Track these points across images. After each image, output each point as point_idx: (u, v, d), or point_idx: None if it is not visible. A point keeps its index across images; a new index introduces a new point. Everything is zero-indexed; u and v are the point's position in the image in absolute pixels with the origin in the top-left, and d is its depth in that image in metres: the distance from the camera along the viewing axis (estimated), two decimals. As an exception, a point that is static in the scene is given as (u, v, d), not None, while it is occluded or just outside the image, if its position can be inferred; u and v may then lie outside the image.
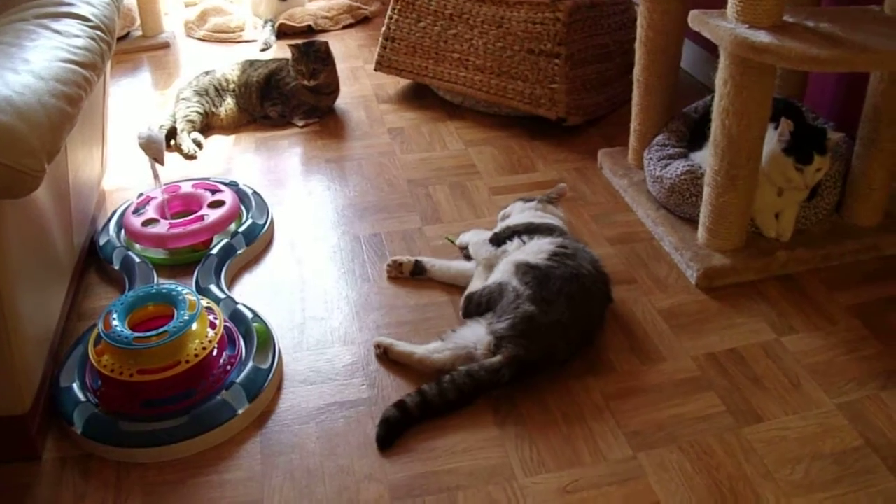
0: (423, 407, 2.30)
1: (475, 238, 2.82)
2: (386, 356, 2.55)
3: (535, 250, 2.59)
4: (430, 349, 2.49)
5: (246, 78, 4.07)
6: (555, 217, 2.87)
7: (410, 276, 2.92)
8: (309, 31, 5.32)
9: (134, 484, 2.18)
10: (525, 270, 2.49)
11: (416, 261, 2.92)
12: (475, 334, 2.45)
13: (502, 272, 2.56)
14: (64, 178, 2.63)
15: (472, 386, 2.32)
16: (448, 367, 2.42)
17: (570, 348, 2.46)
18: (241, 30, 5.30)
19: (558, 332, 2.40)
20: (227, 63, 4.21)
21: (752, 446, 2.23)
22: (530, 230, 2.73)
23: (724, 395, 2.40)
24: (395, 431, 2.27)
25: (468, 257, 2.85)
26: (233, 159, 3.77)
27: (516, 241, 2.70)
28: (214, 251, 2.94)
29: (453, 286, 2.84)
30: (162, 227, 2.97)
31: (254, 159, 3.77)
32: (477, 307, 2.56)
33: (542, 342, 2.38)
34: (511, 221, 2.85)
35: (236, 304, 2.68)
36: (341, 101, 4.26)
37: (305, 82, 3.99)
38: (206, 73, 4.14)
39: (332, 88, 4.15)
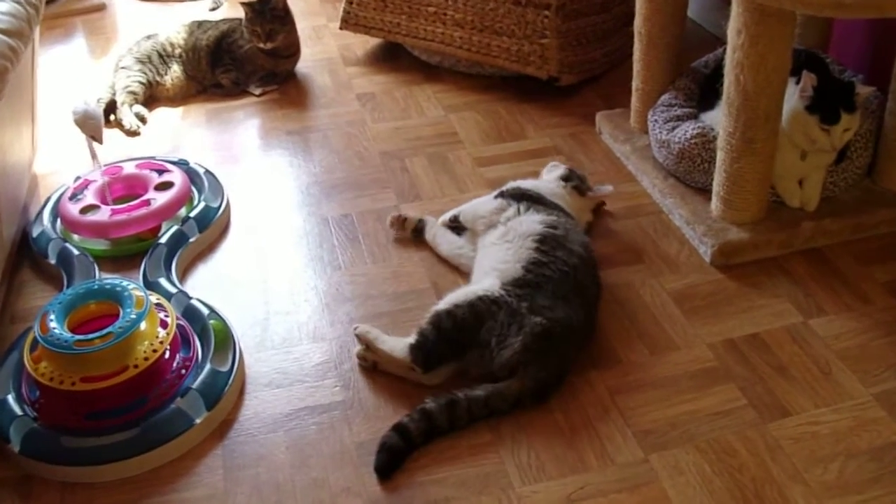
0: (428, 433, 2.27)
1: (470, 203, 2.88)
2: (375, 368, 2.53)
3: (523, 231, 2.61)
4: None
5: (194, 41, 4.05)
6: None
7: (412, 235, 2.99)
8: (264, -15, 5.30)
9: (80, 507, 2.18)
10: (508, 284, 2.46)
11: (420, 219, 2.99)
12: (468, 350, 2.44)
13: (471, 287, 2.54)
14: (-11, 162, 2.62)
15: (486, 414, 2.32)
16: (441, 381, 2.44)
17: (578, 350, 2.48)
18: (187, -13, 5.29)
19: (571, 337, 2.41)
20: (171, 26, 4.19)
21: (778, 444, 2.24)
22: (534, 200, 2.76)
23: (746, 386, 2.41)
24: (397, 460, 2.24)
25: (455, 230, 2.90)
26: (181, 135, 3.76)
27: (514, 207, 2.72)
28: (163, 240, 2.94)
29: (439, 269, 2.86)
30: (103, 215, 2.96)
31: (205, 134, 3.76)
32: (443, 348, 2.42)
33: (559, 355, 2.39)
34: (524, 184, 2.89)
35: (190, 299, 2.68)
36: (302, 65, 4.26)
37: (261, 45, 3.98)
38: (149, 37, 4.11)
39: (292, 51, 4.15)
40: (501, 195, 2.82)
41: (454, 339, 2.40)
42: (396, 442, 2.24)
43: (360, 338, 2.53)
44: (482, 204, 2.83)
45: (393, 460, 2.23)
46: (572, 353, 2.44)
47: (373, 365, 2.51)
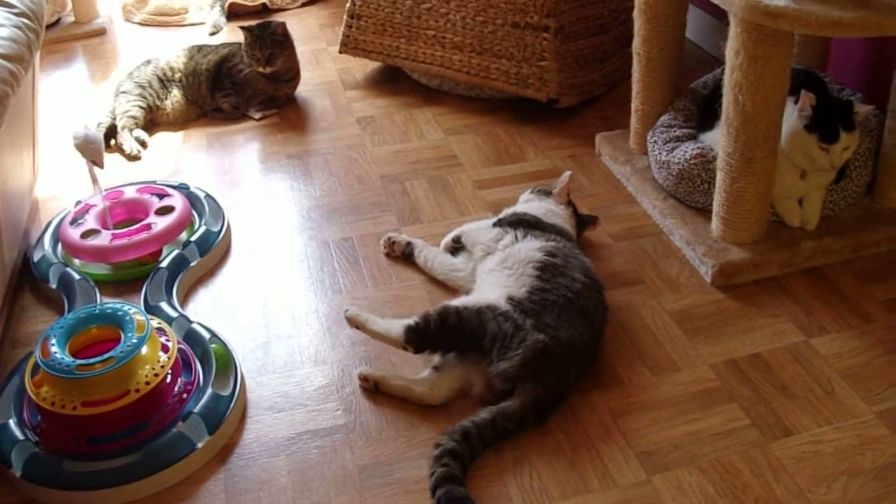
0: (463, 470, 2.23)
1: (472, 225, 2.87)
2: (377, 390, 2.53)
3: (522, 258, 2.61)
4: (424, 384, 2.48)
5: (194, 66, 4.06)
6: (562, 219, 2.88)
7: (403, 256, 3.00)
8: (264, 10, 5.31)
9: (81, 532, 2.18)
10: (516, 301, 2.47)
11: (408, 242, 2.98)
12: (469, 368, 2.46)
13: (478, 296, 2.57)
14: (-10, 187, 2.62)
15: (495, 437, 2.32)
16: (444, 401, 2.45)
17: (579, 372, 2.47)
18: (187, 12, 5.29)
19: (572, 359, 2.41)
20: (171, 50, 4.20)
21: (781, 464, 2.24)
22: (531, 226, 2.76)
23: (748, 406, 2.41)
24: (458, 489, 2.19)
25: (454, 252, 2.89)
26: (182, 159, 3.76)
27: (511, 235, 2.72)
28: (164, 264, 2.93)
29: (440, 292, 2.86)
30: (104, 239, 2.96)
31: (206, 158, 3.77)
32: (439, 339, 2.47)
33: (559, 374, 2.39)
34: (521, 209, 2.89)
35: (191, 323, 2.67)
36: (302, 89, 4.26)
37: (261, 69, 3.98)
38: (149, 62, 4.12)
39: (292, 75, 4.15)
40: (499, 223, 2.83)
41: (453, 336, 2.44)
42: (460, 491, 2.16)
43: (351, 320, 2.56)
44: (481, 231, 2.83)
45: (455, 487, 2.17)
46: (574, 374, 2.43)
47: (374, 386, 2.51)
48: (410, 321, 2.46)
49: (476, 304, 2.48)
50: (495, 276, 2.62)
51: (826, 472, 2.21)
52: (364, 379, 2.54)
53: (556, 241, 2.69)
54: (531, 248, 2.64)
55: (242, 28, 4.02)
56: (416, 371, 2.52)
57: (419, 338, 2.45)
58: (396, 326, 2.48)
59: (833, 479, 2.19)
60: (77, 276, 2.90)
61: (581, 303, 2.50)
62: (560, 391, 2.40)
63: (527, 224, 2.77)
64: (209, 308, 2.88)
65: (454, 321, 2.44)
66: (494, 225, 2.84)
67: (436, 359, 2.50)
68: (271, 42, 3.97)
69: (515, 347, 2.37)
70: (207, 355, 2.54)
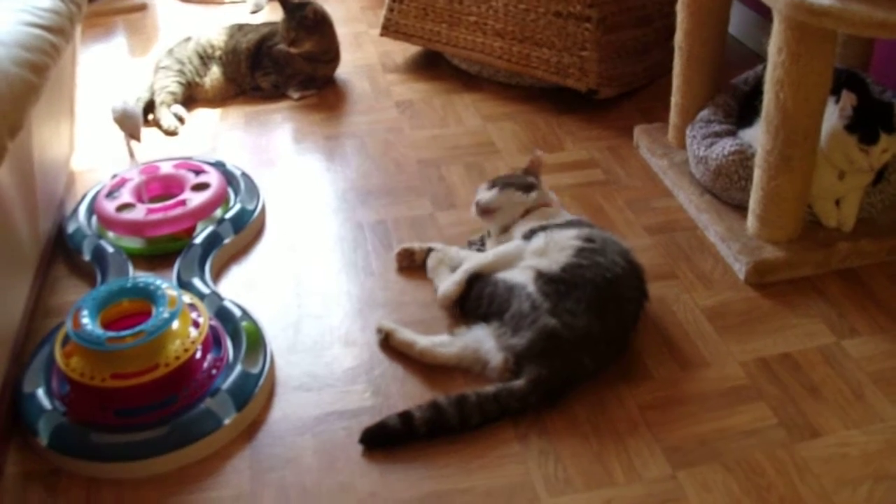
0: (435, 426, 2.30)
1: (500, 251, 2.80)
2: (387, 342, 2.60)
3: (559, 247, 2.61)
4: (436, 342, 2.54)
5: (234, 44, 4.07)
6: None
7: (423, 265, 2.93)
8: (306, -10, 5.31)
9: (107, 503, 2.19)
10: (546, 279, 2.49)
11: (430, 248, 2.93)
12: (489, 342, 2.48)
13: (515, 273, 2.58)
14: (28, 158, 2.64)
15: (498, 412, 2.34)
16: (452, 365, 2.50)
17: (600, 362, 2.47)
18: (229, -11, 5.30)
19: (586, 347, 2.42)
20: (212, 27, 4.21)
21: (807, 464, 2.23)
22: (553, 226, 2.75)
23: (777, 406, 2.41)
24: (386, 441, 2.30)
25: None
26: (219, 136, 3.78)
27: (541, 234, 2.70)
28: (198, 240, 2.95)
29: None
30: (139, 213, 2.98)
31: (243, 136, 3.78)
32: (476, 304, 2.60)
33: (567, 360, 2.40)
34: (532, 225, 2.79)
35: (222, 300, 2.69)
36: (342, 71, 4.26)
37: (284, 46, 4.00)
38: (189, 38, 4.13)
39: (331, 56, 4.16)
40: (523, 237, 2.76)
41: (487, 302, 2.56)
42: (394, 423, 2.30)
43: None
44: (506, 252, 2.72)
45: (382, 436, 2.30)
46: (589, 362, 2.43)
47: (385, 337, 2.61)
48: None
49: (511, 280, 2.53)
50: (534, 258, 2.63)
51: (852, 475, 2.21)
52: (378, 330, 2.63)
53: (590, 229, 2.68)
54: (566, 237, 2.63)
55: (281, 1, 4.02)
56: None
57: (462, 295, 2.64)
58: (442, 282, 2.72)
59: (859, 483, 2.18)
60: (111, 249, 2.91)
61: (618, 288, 2.50)
62: (570, 377, 2.41)
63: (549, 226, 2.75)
64: (241, 286, 2.89)
65: (490, 290, 2.54)
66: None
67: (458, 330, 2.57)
68: (298, 24, 3.96)
69: (527, 327, 2.40)
70: (238, 332, 2.56)
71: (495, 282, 2.56)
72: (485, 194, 2.83)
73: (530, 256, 2.62)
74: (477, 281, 2.62)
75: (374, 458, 2.27)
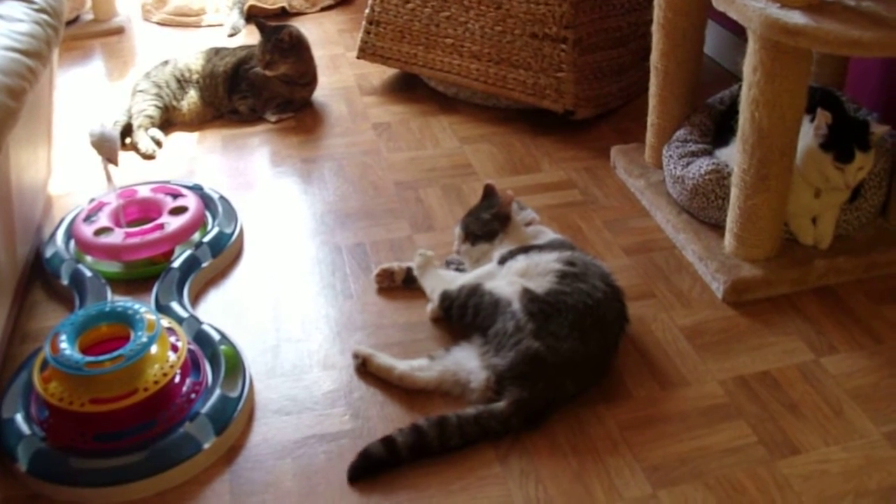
0: (416, 449, 2.29)
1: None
2: (364, 368, 2.59)
3: (541, 271, 2.60)
4: (415, 366, 2.53)
5: (211, 68, 4.07)
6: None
7: (403, 284, 2.94)
8: (283, 13, 5.31)
9: (86, 529, 2.18)
10: (531, 298, 2.48)
11: (409, 268, 2.93)
12: (471, 362, 2.47)
13: (502, 285, 2.57)
14: (5, 182, 2.63)
15: (478, 434, 2.34)
16: (431, 389, 2.49)
17: (582, 385, 2.47)
18: (205, 13, 5.30)
19: (569, 371, 2.41)
20: (189, 51, 4.21)
21: (787, 482, 2.24)
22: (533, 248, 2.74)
23: (756, 423, 2.41)
24: (373, 470, 2.28)
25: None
26: (196, 160, 3.77)
27: (521, 256, 2.69)
28: (176, 264, 2.94)
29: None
30: (116, 237, 2.97)
31: (220, 160, 3.77)
32: (461, 313, 2.59)
33: (549, 383, 2.39)
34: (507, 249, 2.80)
35: (201, 323, 2.68)
36: (319, 94, 4.27)
37: (260, 69, 4.00)
38: (166, 62, 4.13)
39: (308, 79, 4.16)
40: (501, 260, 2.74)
41: (472, 313, 2.55)
42: (378, 451, 2.28)
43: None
44: (488, 274, 2.72)
45: (368, 467, 2.27)
46: (572, 386, 2.43)
47: (362, 363, 2.59)
48: (448, 287, 2.67)
49: (499, 294, 2.52)
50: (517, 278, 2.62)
51: (832, 491, 2.21)
52: (355, 356, 2.61)
53: (571, 252, 2.68)
54: (547, 261, 2.63)
55: (256, 22, 4.03)
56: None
57: (450, 303, 2.63)
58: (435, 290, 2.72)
59: (839, 499, 2.18)
60: (89, 274, 2.90)
61: (600, 312, 2.49)
62: (551, 401, 2.40)
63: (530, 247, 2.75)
64: (220, 309, 2.88)
65: (477, 301, 2.54)
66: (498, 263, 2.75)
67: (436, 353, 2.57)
68: (274, 47, 3.97)
69: (510, 348, 2.40)
70: (217, 356, 2.55)
71: (482, 293, 2.55)
72: (460, 252, 2.88)
73: (512, 276, 2.61)
74: (465, 288, 2.61)
75: (355, 482, 2.26)
